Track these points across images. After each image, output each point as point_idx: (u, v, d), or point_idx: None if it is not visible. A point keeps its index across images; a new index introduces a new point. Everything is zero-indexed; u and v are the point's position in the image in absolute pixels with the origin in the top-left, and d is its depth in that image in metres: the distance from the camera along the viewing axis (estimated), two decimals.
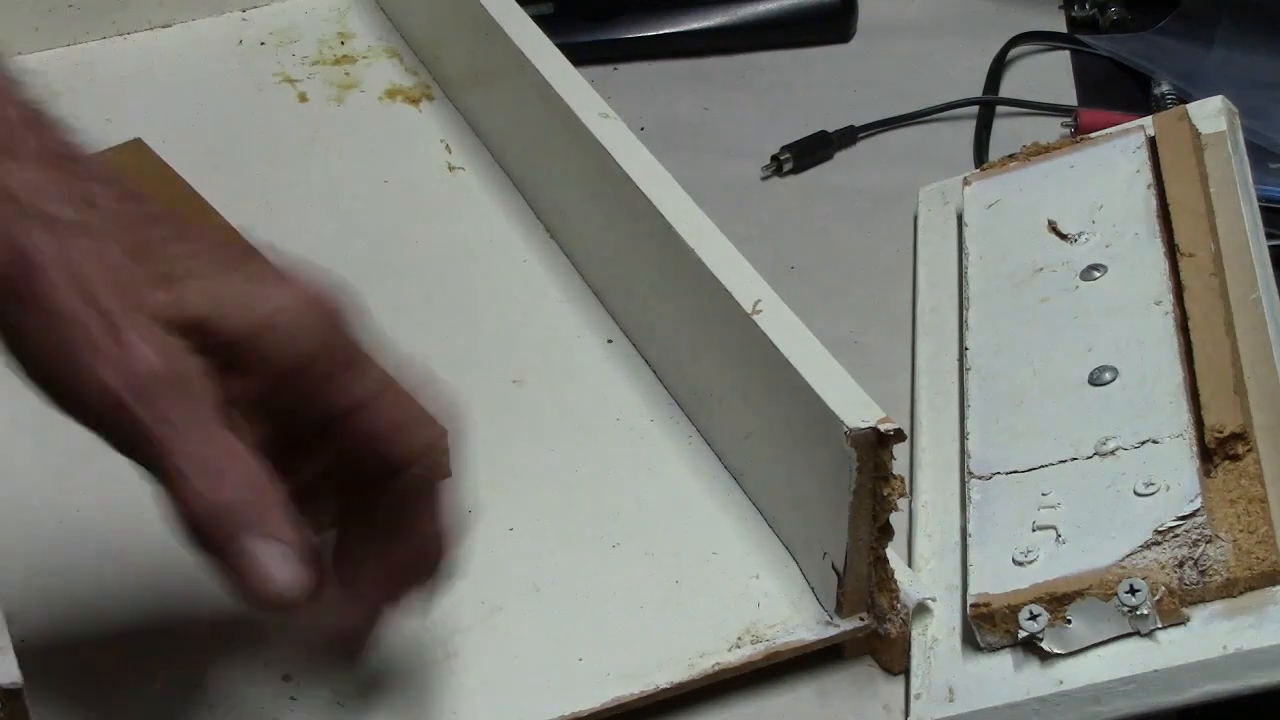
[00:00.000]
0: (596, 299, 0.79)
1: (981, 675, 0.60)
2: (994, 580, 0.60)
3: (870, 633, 0.62)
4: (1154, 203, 0.72)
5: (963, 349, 0.72)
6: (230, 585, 0.51)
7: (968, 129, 0.91)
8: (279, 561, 0.51)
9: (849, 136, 0.91)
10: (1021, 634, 0.58)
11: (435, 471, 0.56)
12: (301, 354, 0.53)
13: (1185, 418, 0.62)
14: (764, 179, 0.89)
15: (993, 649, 0.60)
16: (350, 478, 0.56)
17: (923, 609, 0.63)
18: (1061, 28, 1.00)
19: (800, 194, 0.88)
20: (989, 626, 0.60)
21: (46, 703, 0.60)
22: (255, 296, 0.53)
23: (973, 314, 0.73)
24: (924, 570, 0.65)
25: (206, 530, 0.51)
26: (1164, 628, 0.57)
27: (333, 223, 0.84)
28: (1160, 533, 0.58)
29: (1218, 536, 0.58)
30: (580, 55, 0.84)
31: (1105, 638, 0.58)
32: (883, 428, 0.59)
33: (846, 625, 0.62)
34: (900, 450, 0.60)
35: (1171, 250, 0.69)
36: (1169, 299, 0.67)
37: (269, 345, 0.53)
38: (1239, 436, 0.60)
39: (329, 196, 0.86)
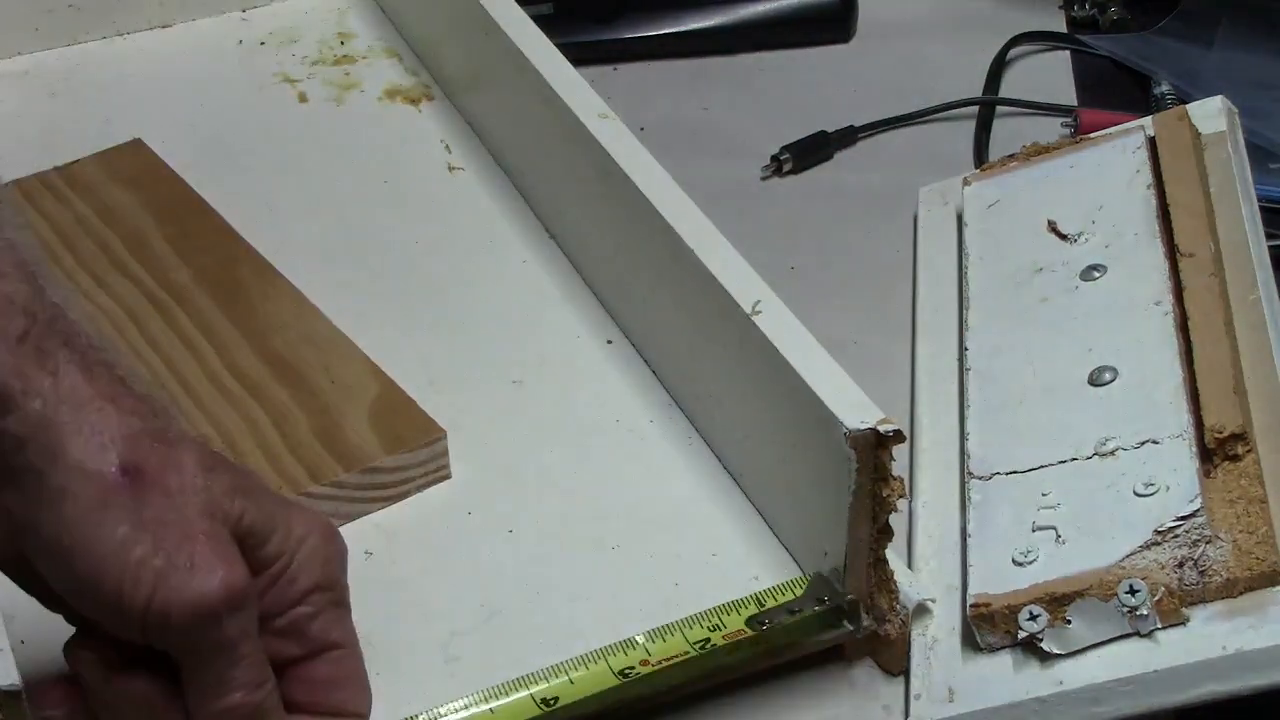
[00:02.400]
0: (596, 299, 0.79)
1: (981, 675, 0.60)
2: (994, 580, 0.60)
3: (870, 633, 0.62)
4: (1154, 203, 0.72)
5: (963, 349, 0.72)
6: None
7: (968, 129, 0.91)
8: None
9: (849, 136, 0.91)
10: (1021, 634, 0.58)
11: None
12: (315, 581, 0.55)
13: (1185, 418, 0.62)
14: (764, 179, 0.89)
15: (993, 649, 0.60)
16: None
17: (922, 609, 0.63)
18: (1061, 28, 1.00)
19: (800, 194, 0.88)
20: (989, 627, 0.59)
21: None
22: (291, 518, 0.55)
23: (973, 314, 0.73)
24: (924, 570, 0.65)
25: None
26: (1164, 628, 0.57)
27: (333, 223, 0.84)
28: (1160, 533, 0.58)
29: (1217, 537, 0.58)
30: (580, 55, 0.84)
31: (1105, 638, 0.58)
32: (882, 429, 0.58)
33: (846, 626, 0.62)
34: (900, 450, 0.60)
35: (1171, 250, 0.69)
36: (1169, 299, 0.67)
37: (295, 566, 0.55)
38: (1239, 437, 0.60)
39: (329, 196, 0.86)
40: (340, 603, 0.57)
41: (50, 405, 0.51)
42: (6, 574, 0.54)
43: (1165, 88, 0.92)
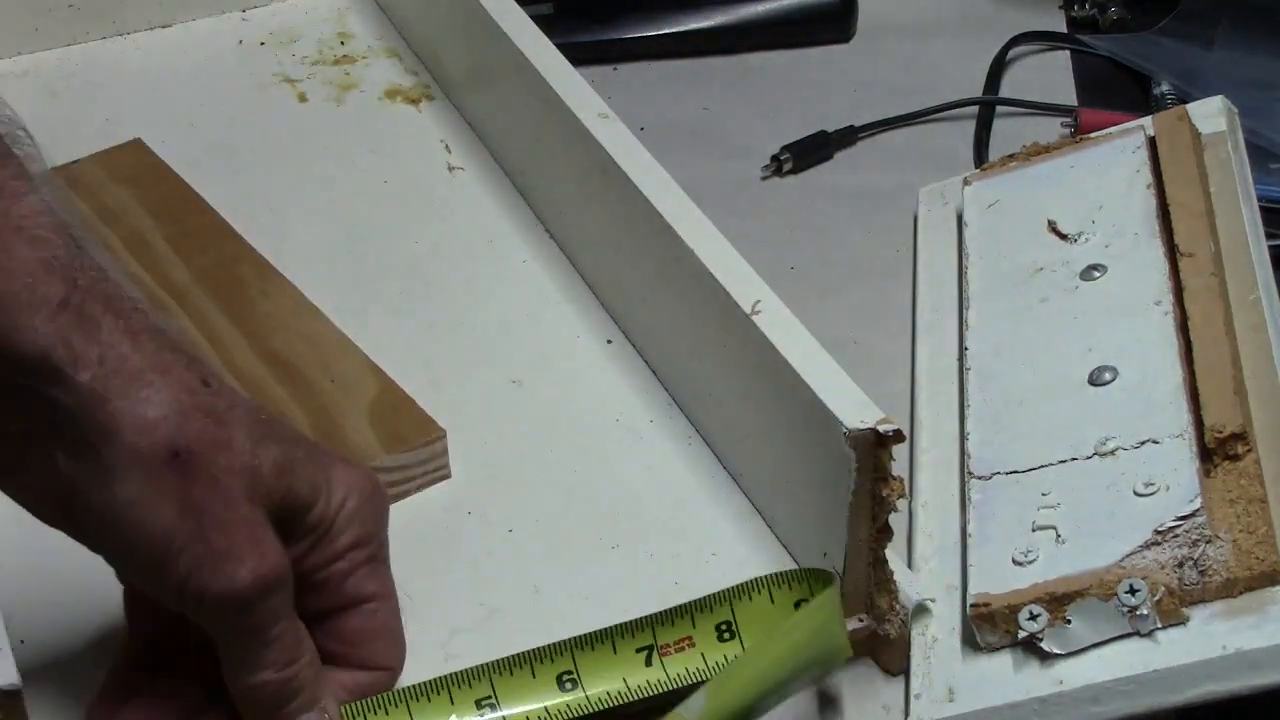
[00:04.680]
0: (596, 299, 0.79)
1: (981, 675, 0.60)
2: (994, 580, 0.60)
3: (870, 633, 0.62)
4: (1154, 203, 0.72)
5: (963, 349, 0.72)
6: None
7: (968, 129, 0.91)
8: None
9: (849, 136, 0.91)
10: (1021, 634, 0.58)
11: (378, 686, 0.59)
12: (353, 539, 0.56)
13: (1185, 418, 0.62)
14: (764, 179, 0.89)
15: (993, 649, 0.60)
16: None
17: (922, 609, 0.63)
18: (1061, 28, 1.00)
19: (800, 194, 0.88)
20: (989, 626, 0.59)
21: (46, 703, 0.60)
22: (334, 480, 0.56)
23: (973, 314, 0.73)
24: (924, 570, 0.65)
25: (277, 702, 0.55)
26: (1164, 628, 0.57)
27: (333, 223, 0.84)
28: (1160, 533, 0.58)
29: (1217, 536, 0.58)
30: (580, 55, 0.84)
31: (1105, 638, 0.58)
32: (882, 428, 0.58)
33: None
34: (900, 450, 0.60)
35: (1171, 250, 0.69)
36: (1169, 299, 0.67)
37: (335, 528, 0.56)
38: (1239, 436, 0.60)
39: (329, 196, 0.86)
40: (375, 558, 0.57)
41: (99, 379, 0.51)
42: (52, 523, 0.55)
43: (1165, 88, 0.92)
